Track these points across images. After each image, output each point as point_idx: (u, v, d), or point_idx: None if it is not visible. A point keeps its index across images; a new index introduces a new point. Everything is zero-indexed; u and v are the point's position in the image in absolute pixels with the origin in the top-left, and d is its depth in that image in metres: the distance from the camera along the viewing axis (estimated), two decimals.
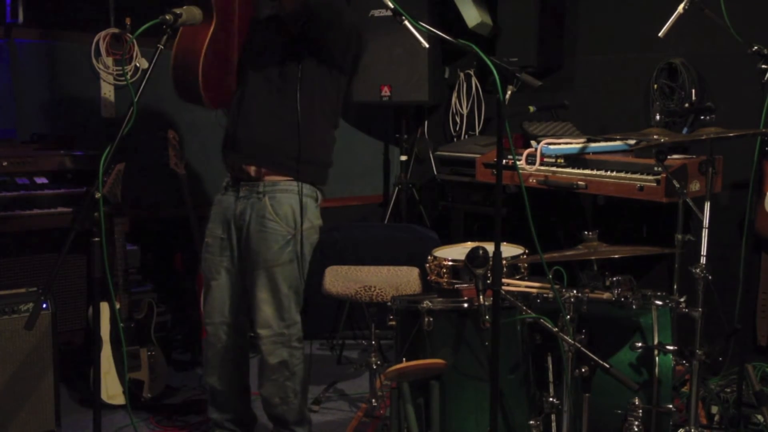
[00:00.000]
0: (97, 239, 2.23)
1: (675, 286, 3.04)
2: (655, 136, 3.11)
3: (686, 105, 3.76)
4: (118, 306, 3.50)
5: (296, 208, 2.79)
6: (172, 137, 4.14)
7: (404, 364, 2.51)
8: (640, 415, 2.52)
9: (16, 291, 3.20)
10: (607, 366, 2.37)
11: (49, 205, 3.50)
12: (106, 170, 3.46)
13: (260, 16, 2.92)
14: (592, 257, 2.55)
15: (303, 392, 2.97)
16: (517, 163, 3.84)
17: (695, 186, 3.39)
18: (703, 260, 2.76)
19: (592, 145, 3.72)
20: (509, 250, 2.91)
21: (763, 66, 2.93)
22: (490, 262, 2.22)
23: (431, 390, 2.52)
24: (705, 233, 2.78)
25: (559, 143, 3.78)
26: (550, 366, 2.56)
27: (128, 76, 4.14)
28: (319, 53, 2.77)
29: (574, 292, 2.46)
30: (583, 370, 2.43)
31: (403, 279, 3.25)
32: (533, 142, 3.87)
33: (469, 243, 2.97)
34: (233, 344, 3.01)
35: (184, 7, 2.43)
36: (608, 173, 3.56)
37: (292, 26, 2.77)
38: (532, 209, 2.19)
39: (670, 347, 2.59)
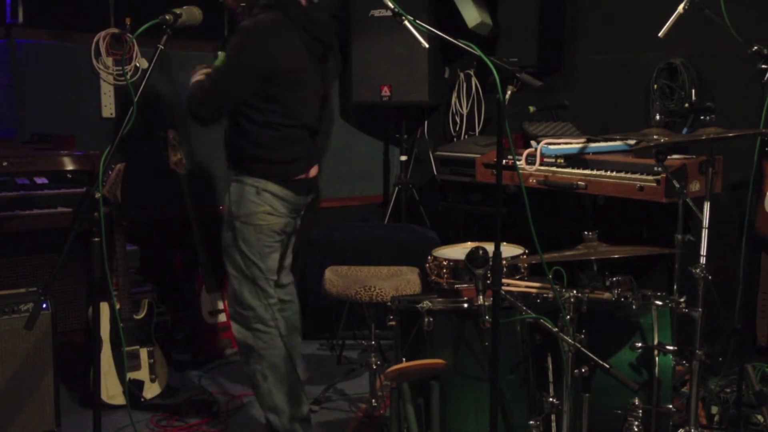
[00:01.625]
0: (97, 239, 2.24)
1: (675, 286, 3.03)
2: (655, 136, 3.11)
3: (686, 105, 3.76)
4: (117, 306, 3.50)
5: (233, 197, 3.00)
6: (172, 137, 4.15)
7: (404, 364, 2.51)
8: (640, 415, 2.52)
9: (16, 291, 3.20)
10: (607, 366, 2.36)
11: (48, 205, 3.49)
12: (106, 170, 3.48)
13: None
14: (592, 257, 2.55)
15: (275, 378, 3.04)
16: (517, 163, 3.84)
17: (695, 186, 3.39)
18: (703, 260, 2.75)
19: (592, 145, 3.72)
20: (509, 250, 2.91)
21: (763, 66, 2.93)
22: (490, 262, 2.22)
23: (431, 390, 2.51)
24: (705, 233, 2.78)
25: (559, 143, 3.78)
26: (550, 366, 2.56)
27: (128, 76, 4.14)
28: None
29: (574, 292, 2.46)
30: (583, 370, 2.43)
31: (403, 279, 3.25)
32: (533, 142, 3.87)
33: (469, 243, 2.96)
34: None
35: (184, 7, 2.44)
36: (608, 173, 3.56)
37: None
38: (532, 209, 2.19)
39: (670, 347, 2.59)
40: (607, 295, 2.56)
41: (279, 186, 2.99)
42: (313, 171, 3.15)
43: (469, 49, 2.16)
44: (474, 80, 4.80)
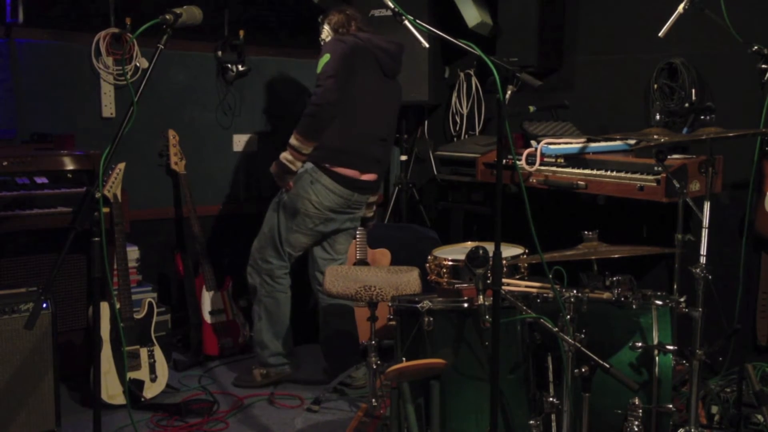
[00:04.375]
0: (97, 239, 2.24)
1: (675, 286, 3.04)
2: (655, 136, 3.11)
3: (686, 105, 3.76)
4: (118, 306, 3.50)
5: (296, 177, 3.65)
6: (172, 137, 4.15)
7: (404, 364, 2.51)
8: (640, 415, 2.52)
9: (16, 291, 3.20)
10: (607, 366, 2.36)
11: (49, 205, 3.49)
12: (106, 170, 3.48)
13: None
14: (592, 257, 2.55)
15: (267, 320, 3.75)
16: (517, 163, 3.84)
17: (695, 186, 3.39)
18: (703, 260, 2.75)
19: (592, 145, 3.72)
20: (509, 250, 2.91)
21: (763, 66, 2.93)
22: (490, 262, 2.21)
23: (431, 390, 2.52)
24: (705, 233, 2.78)
25: (559, 143, 3.78)
26: (550, 366, 2.56)
27: (128, 76, 4.14)
28: None
29: (574, 292, 2.46)
30: (583, 370, 2.43)
31: (403, 279, 3.25)
32: (533, 142, 3.87)
33: (469, 243, 2.96)
34: None
35: (184, 7, 2.43)
36: (608, 173, 3.56)
37: None
38: (532, 209, 2.19)
39: (670, 347, 2.59)
40: (607, 295, 2.56)
41: (330, 179, 3.57)
42: (366, 176, 3.69)
43: (469, 49, 2.16)
44: (474, 80, 4.80)
